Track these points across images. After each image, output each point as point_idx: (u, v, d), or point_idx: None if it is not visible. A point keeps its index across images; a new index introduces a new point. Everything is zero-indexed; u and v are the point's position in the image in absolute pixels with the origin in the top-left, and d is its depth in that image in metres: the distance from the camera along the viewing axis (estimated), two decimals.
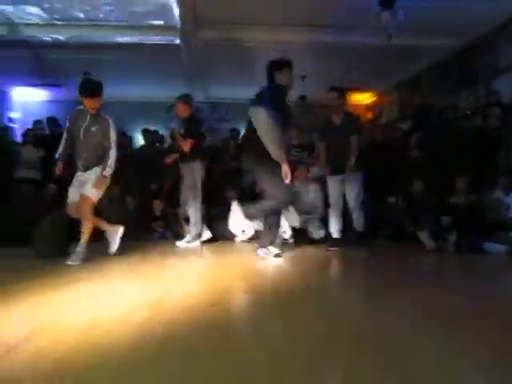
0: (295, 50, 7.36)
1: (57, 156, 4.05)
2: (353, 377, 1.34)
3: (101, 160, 3.97)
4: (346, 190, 4.48)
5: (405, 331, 1.78)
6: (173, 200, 5.75)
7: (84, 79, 4.43)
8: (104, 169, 3.93)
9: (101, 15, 6.34)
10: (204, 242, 4.96)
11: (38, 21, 6.48)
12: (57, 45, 7.07)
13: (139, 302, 2.29)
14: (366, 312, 2.12)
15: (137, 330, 1.82)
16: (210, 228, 5.19)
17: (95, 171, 3.96)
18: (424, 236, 4.48)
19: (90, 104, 3.97)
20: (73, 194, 3.95)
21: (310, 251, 4.59)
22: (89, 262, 3.67)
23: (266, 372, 1.36)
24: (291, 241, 4.96)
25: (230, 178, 6.09)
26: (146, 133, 7.41)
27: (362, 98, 10.60)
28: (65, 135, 4.10)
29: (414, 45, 6.90)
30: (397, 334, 1.73)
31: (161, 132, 7.86)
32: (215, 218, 5.48)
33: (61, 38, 6.93)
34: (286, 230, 5.01)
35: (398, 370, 1.37)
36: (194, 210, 4.80)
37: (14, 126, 9.27)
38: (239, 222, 5.20)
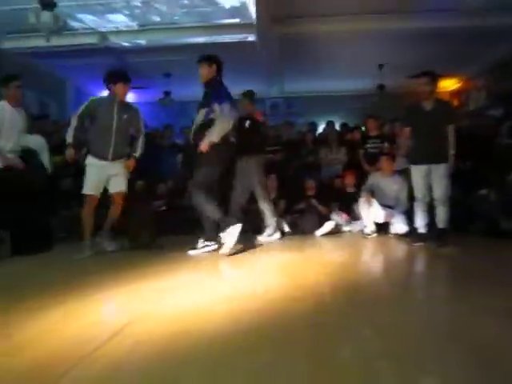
0: (372, 38, 7.17)
1: (70, 141, 4.00)
2: (447, 376, 1.27)
3: (129, 148, 4.11)
4: (435, 181, 4.20)
5: (499, 330, 1.66)
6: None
7: (112, 69, 4.43)
8: (135, 155, 4.11)
9: (176, 17, 6.59)
10: (283, 236, 4.97)
11: (120, 28, 6.91)
12: (138, 49, 7.49)
13: (225, 294, 2.36)
14: (458, 310, 2.00)
15: (223, 320, 1.87)
16: (289, 223, 5.21)
17: (124, 163, 4.13)
18: None
19: (124, 91, 4.06)
20: (99, 186, 4.07)
21: (393, 246, 4.43)
22: (176, 253, 3.87)
23: (356, 369, 1.34)
24: (374, 235, 4.82)
25: (308, 172, 6.06)
26: None
27: (447, 85, 10.02)
28: (76, 121, 4.02)
29: (506, 24, 6.38)
30: (491, 333, 1.62)
31: None
32: (294, 213, 5.48)
33: (142, 42, 7.33)
34: (368, 224, 4.88)
35: (490, 369, 1.28)
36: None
37: None
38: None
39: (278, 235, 4.86)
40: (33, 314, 1.99)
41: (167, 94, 9.24)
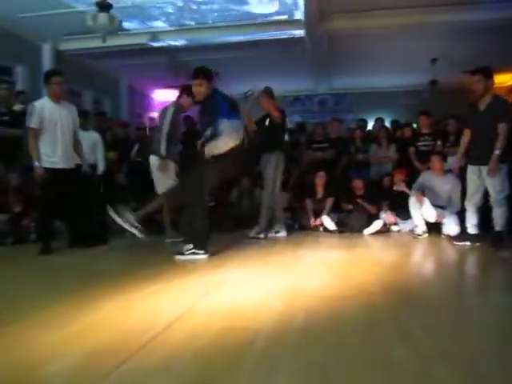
0: (425, 32, 6.93)
1: (163, 154, 4.27)
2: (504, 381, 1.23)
3: None
4: (487, 182, 4.05)
5: None
6: (299, 192, 5.82)
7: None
8: None
9: (226, 13, 6.66)
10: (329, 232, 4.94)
11: (169, 28, 7.09)
12: (187, 48, 7.63)
13: (276, 290, 2.38)
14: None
15: (278, 316, 1.89)
16: (337, 222, 5.19)
17: None
18: None
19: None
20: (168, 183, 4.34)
21: (444, 247, 4.29)
22: (227, 250, 3.93)
23: (412, 371, 1.32)
24: (425, 236, 4.68)
25: (356, 171, 5.96)
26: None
27: (503, 80, 9.54)
28: (169, 128, 4.31)
29: None
30: None
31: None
32: (341, 212, 5.43)
33: (188, 41, 7.48)
34: (419, 224, 4.75)
35: None
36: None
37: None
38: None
39: (283, 233, 4.89)
40: (93, 303, 2.10)
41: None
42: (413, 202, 4.80)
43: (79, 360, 1.45)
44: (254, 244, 4.34)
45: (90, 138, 5.37)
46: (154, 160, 4.39)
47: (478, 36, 6.82)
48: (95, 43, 6.56)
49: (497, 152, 3.86)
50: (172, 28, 7.14)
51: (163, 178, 4.39)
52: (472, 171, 4.12)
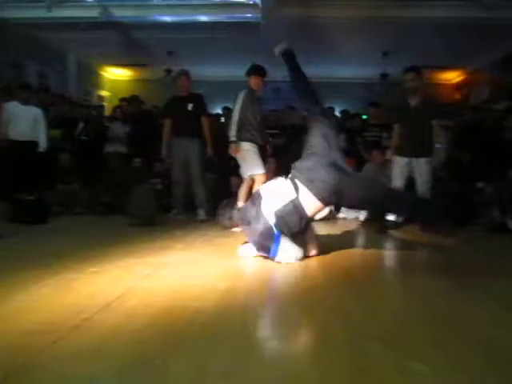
0: (378, 25, 7.07)
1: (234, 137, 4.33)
2: (435, 361, 1.29)
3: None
4: (417, 174, 4.35)
5: (490, 318, 1.69)
6: None
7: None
8: None
9: None
10: None
11: (121, 2, 6.82)
12: (141, 25, 7.37)
13: (220, 272, 2.38)
14: (452, 298, 2.02)
15: (220, 297, 1.89)
16: None
17: None
18: None
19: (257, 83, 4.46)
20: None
21: (387, 235, 4.45)
22: (174, 232, 3.89)
23: (344, 346, 1.36)
24: (368, 223, 4.83)
25: None
26: (226, 111, 7.51)
27: (450, 77, 9.96)
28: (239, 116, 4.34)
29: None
30: (484, 321, 1.64)
31: None
32: None
33: (144, 18, 7.23)
34: (363, 212, 4.90)
35: (480, 356, 1.30)
36: None
37: (103, 103, 9.88)
38: None
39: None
40: (30, 283, 2.01)
41: (169, 71, 9.15)
42: None
43: (11, 340, 1.38)
44: (202, 226, 4.32)
45: (31, 113, 5.12)
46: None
47: (428, 33, 7.04)
48: (41, 12, 6.22)
49: (438, 146, 4.14)
50: (125, 3, 6.88)
51: (245, 162, 4.37)
52: (401, 162, 4.40)
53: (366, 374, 1.19)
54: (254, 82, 4.47)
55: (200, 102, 5.10)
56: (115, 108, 7.22)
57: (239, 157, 4.38)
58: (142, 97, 7.93)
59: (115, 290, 1.96)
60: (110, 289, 1.98)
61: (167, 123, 5.13)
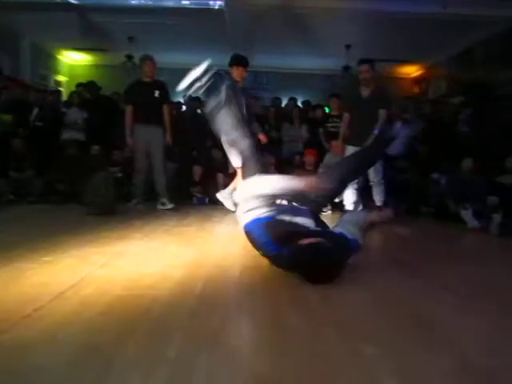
0: (341, 18, 7.15)
1: None
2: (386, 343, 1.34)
3: None
4: None
5: (436, 302, 1.76)
6: (211, 167, 5.80)
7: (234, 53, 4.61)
8: None
9: None
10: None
11: None
12: (101, 8, 7.12)
13: (178, 261, 2.35)
14: (402, 284, 2.09)
15: (176, 285, 1.87)
16: None
17: None
18: (468, 215, 4.33)
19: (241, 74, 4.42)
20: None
21: None
22: (133, 222, 3.82)
23: (302, 336, 1.37)
24: (329, 213, 4.92)
25: (268, 148, 6.05)
26: (188, 99, 7.40)
27: (409, 71, 10.21)
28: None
29: (469, 14, 6.52)
30: (430, 305, 1.71)
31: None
32: None
33: (105, 0, 6.99)
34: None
35: (426, 338, 1.36)
36: None
37: (60, 88, 9.52)
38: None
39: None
40: None
41: (130, 57, 8.91)
42: None
43: None
44: (162, 216, 4.27)
45: None
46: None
47: (389, 27, 7.18)
48: None
49: (374, 131, 4.35)
50: None
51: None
52: (352, 151, 4.45)
53: (320, 357, 1.21)
54: (236, 72, 4.41)
55: (163, 89, 4.99)
56: (72, 93, 6.99)
57: (226, 149, 4.33)
58: (102, 83, 7.72)
59: (69, 278, 1.90)
60: (64, 278, 1.92)
61: (129, 109, 4.96)
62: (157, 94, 4.88)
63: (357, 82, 4.67)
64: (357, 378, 1.12)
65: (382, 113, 4.41)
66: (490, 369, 1.19)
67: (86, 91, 6.86)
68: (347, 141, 4.65)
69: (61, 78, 10.29)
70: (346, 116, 4.70)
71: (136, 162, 5.00)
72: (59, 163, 5.67)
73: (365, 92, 4.51)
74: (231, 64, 4.44)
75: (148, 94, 4.84)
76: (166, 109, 4.98)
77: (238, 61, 4.43)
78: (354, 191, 4.58)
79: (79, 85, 7.29)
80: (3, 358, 1.18)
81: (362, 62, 4.51)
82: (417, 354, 1.25)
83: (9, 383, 1.07)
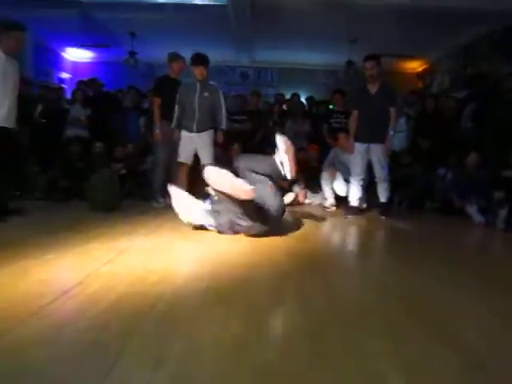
0: (345, 12, 7.09)
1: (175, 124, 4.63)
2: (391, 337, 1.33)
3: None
4: (374, 160, 4.47)
5: (438, 293, 1.75)
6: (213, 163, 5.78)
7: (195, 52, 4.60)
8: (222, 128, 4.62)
9: None
10: None
11: None
12: (103, 4, 7.09)
13: (183, 257, 2.35)
14: (404, 276, 2.08)
15: (182, 282, 1.87)
16: None
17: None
18: (473, 210, 4.32)
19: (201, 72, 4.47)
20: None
21: (352, 219, 4.53)
22: (138, 218, 3.82)
23: (307, 332, 1.37)
24: (333, 208, 4.91)
25: (271, 144, 6.03)
26: None
27: (413, 66, 10.15)
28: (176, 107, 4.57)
29: (472, 8, 6.45)
30: (433, 296, 1.70)
31: None
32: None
33: None
34: (328, 197, 4.96)
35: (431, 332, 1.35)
36: None
37: (63, 85, 9.50)
38: None
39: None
40: None
41: (132, 54, 8.89)
42: (325, 177, 5.02)
43: None
44: (166, 212, 4.25)
45: None
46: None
47: (395, 22, 7.11)
48: None
49: (391, 133, 4.36)
50: None
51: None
52: (360, 148, 4.52)
53: (325, 357, 1.21)
54: (196, 71, 4.51)
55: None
56: (75, 90, 6.97)
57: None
58: (105, 79, 7.71)
59: (74, 276, 1.90)
60: (69, 275, 1.93)
61: (156, 102, 4.92)
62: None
63: (362, 78, 4.63)
64: (363, 374, 1.11)
65: (393, 111, 4.40)
66: (497, 364, 1.19)
67: (88, 88, 6.84)
68: (355, 138, 4.59)
69: (64, 75, 10.28)
70: (355, 113, 4.63)
71: (158, 155, 4.99)
72: (62, 160, 5.66)
73: (372, 89, 4.46)
74: (190, 64, 4.56)
75: (172, 91, 4.82)
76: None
77: (198, 61, 4.51)
78: (360, 187, 4.55)
79: (80, 82, 7.29)
80: (11, 354, 1.19)
81: (368, 58, 4.44)
82: (424, 350, 1.25)
83: (17, 378, 1.08)
